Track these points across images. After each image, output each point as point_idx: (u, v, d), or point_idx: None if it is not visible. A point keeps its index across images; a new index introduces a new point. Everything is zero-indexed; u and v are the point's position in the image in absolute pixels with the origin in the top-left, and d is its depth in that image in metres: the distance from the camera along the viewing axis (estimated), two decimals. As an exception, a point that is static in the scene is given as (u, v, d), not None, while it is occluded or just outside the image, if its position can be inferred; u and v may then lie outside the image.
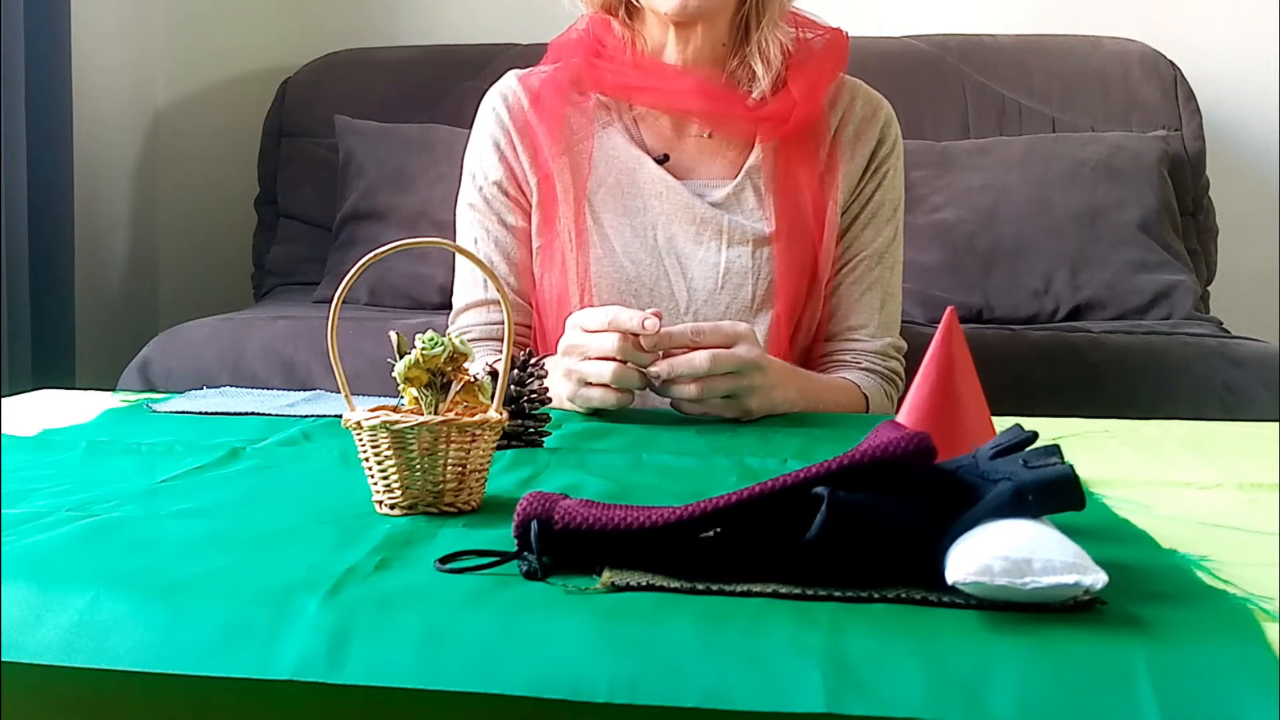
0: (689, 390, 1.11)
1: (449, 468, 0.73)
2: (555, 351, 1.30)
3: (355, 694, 0.53)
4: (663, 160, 1.36)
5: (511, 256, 1.37)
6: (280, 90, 2.54)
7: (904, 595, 0.56)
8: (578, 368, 1.12)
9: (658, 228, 1.33)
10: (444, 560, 0.62)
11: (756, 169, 1.35)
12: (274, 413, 1.13)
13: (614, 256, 1.33)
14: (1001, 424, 0.70)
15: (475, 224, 1.38)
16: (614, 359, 1.10)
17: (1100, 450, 0.98)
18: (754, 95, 1.34)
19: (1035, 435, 0.63)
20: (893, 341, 1.36)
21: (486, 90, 1.44)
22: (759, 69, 1.33)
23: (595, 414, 1.14)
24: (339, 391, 0.77)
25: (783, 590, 0.57)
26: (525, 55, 1.50)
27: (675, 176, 1.35)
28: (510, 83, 1.42)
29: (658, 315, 1.09)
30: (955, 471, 0.62)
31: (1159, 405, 1.63)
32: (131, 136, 2.66)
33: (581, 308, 1.32)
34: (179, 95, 2.72)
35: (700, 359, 1.10)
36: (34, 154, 2.07)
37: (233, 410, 1.13)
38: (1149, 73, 2.28)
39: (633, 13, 1.37)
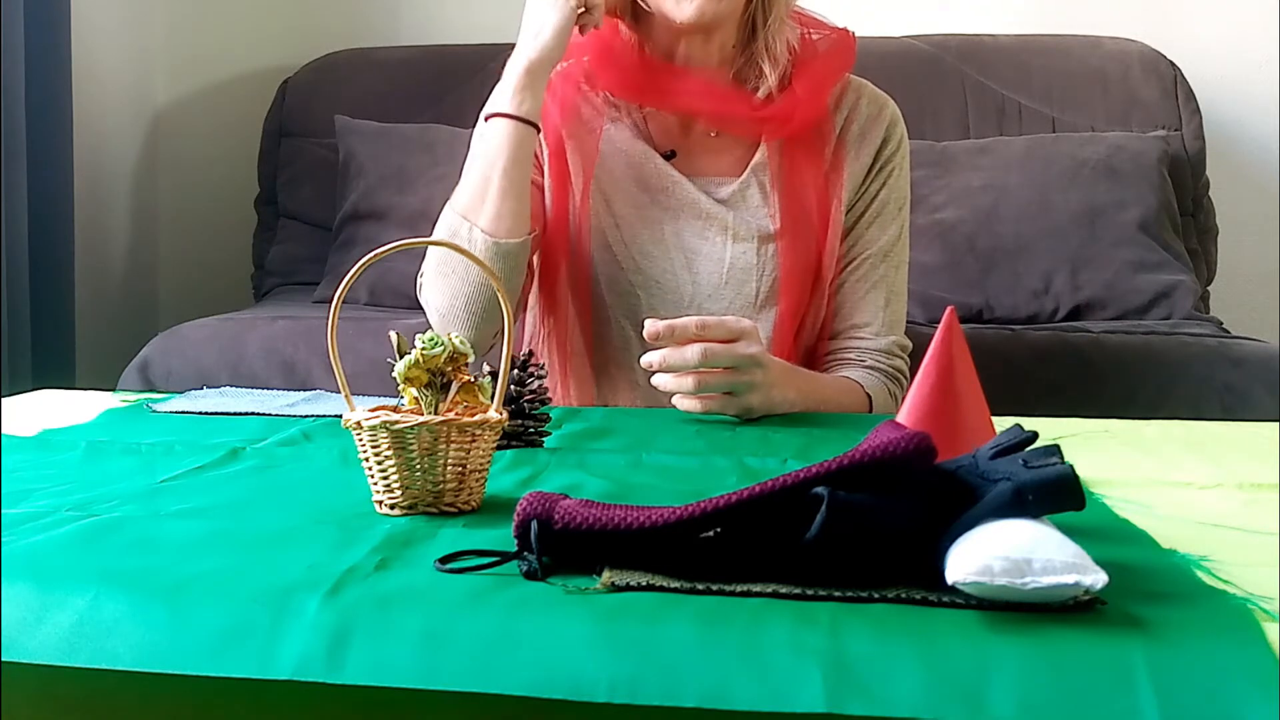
0: (685, 383, 1.10)
1: (449, 468, 0.73)
2: (546, 331, 1.32)
3: (355, 694, 0.53)
4: (670, 156, 1.36)
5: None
6: (280, 90, 2.54)
7: (904, 595, 0.56)
8: None
9: (665, 221, 1.34)
10: (444, 560, 0.62)
11: (762, 167, 1.35)
12: (274, 413, 1.13)
13: (623, 246, 1.33)
14: (1001, 424, 0.70)
15: None
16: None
17: (1100, 450, 0.98)
18: (759, 94, 1.34)
19: (1035, 435, 0.63)
20: (897, 340, 1.36)
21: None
22: (765, 68, 1.33)
23: (595, 413, 1.14)
24: (339, 391, 0.77)
25: (783, 590, 0.57)
26: (525, 55, 1.51)
27: (681, 173, 1.35)
28: None
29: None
30: (955, 471, 0.62)
31: (1159, 405, 1.63)
32: (131, 136, 2.66)
33: (580, 295, 1.32)
34: (179, 95, 2.72)
35: (691, 351, 1.09)
36: (34, 154, 2.07)
37: (233, 410, 1.14)
38: (1149, 73, 2.28)
39: (639, 15, 1.37)
